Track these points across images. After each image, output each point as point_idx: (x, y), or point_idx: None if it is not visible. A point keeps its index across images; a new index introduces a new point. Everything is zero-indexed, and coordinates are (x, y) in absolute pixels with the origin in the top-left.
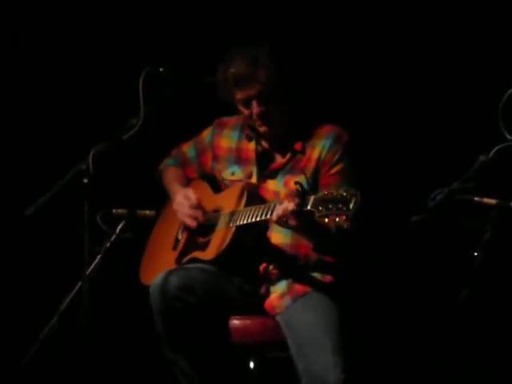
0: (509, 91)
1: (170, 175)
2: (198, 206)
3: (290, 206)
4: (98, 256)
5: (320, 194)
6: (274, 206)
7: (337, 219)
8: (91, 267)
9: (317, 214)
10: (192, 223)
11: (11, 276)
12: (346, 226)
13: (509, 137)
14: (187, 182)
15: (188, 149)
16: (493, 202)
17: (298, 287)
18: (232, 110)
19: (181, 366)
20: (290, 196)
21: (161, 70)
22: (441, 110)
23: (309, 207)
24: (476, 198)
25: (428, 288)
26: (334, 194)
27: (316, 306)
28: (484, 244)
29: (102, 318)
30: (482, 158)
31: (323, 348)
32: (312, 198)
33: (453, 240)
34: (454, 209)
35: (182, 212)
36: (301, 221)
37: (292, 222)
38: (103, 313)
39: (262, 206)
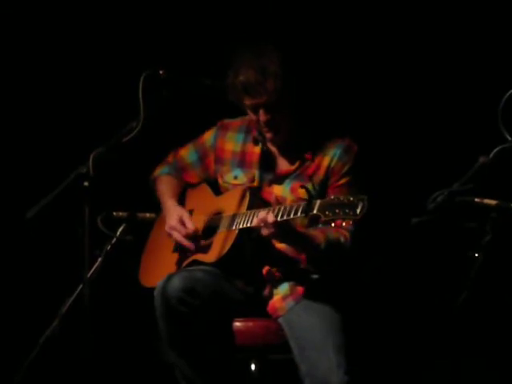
0: (509, 92)
1: (164, 186)
2: (193, 232)
3: (269, 217)
4: (99, 259)
5: (327, 199)
6: (279, 210)
7: (343, 224)
8: (92, 270)
9: (323, 219)
10: (190, 247)
11: (12, 279)
12: (342, 239)
13: (509, 138)
14: (182, 190)
15: (188, 153)
16: (493, 203)
17: (301, 289)
18: (233, 113)
19: (183, 369)
20: (271, 208)
21: (160, 72)
22: (441, 112)
23: (315, 211)
24: (476, 199)
25: (428, 289)
26: (341, 198)
27: (318, 307)
28: (484, 245)
29: (102, 320)
30: (482, 159)
31: (326, 350)
32: (318, 202)
33: (453, 241)
34: (455, 210)
35: (178, 237)
36: (279, 233)
37: (264, 232)
38: (104, 315)
39: (266, 210)
